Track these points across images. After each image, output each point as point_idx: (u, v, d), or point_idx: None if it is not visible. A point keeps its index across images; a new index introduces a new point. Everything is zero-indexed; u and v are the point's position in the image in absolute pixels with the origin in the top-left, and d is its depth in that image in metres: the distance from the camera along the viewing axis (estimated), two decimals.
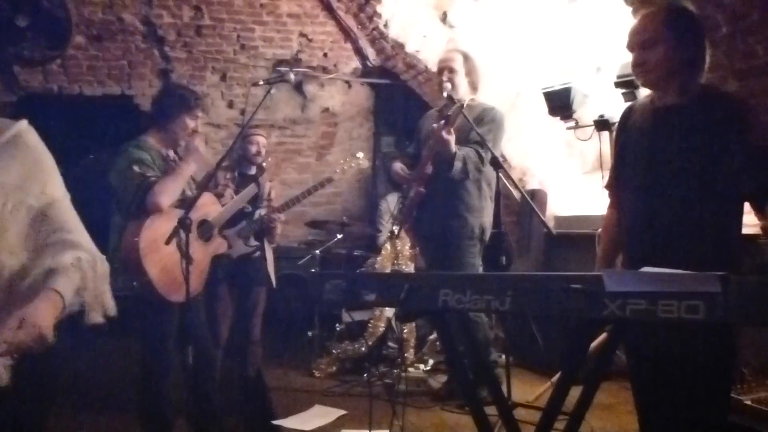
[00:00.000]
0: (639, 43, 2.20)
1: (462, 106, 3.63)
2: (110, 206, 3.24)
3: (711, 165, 2.07)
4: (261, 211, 4.02)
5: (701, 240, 2.10)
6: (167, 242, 2.96)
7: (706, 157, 2.08)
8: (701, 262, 1.82)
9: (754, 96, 3.45)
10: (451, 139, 3.65)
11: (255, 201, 4.05)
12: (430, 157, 3.83)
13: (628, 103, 2.52)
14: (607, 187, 2.52)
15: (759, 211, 2.05)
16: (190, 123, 3.24)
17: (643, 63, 2.20)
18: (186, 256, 2.82)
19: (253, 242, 4.02)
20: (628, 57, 2.32)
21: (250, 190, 3.80)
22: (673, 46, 2.14)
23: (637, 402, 2.35)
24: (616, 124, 2.53)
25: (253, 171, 4.18)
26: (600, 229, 2.68)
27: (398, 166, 4.06)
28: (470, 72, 4.01)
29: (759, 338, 3.39)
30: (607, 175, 2.57)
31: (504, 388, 3.50)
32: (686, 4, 2.28)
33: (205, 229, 3.33)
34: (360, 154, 4.38)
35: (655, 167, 2.19)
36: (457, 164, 3.74)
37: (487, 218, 3.99)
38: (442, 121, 3.69)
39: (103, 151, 7.48)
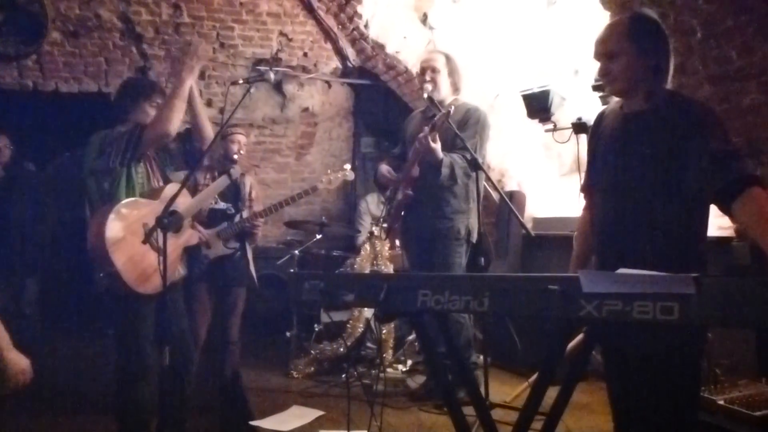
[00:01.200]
0: (603, 53, 2.23)
1: (449, 113, 3.61)
2: (83, 201, 3.24)
3: (677, 168, 2.10)
4: (243, 214, 4.00)
5: (667, 242, 2.13)
6: (144, 242, 2.96)
7: (672, 161, 2.11)
8: (668, 264, 1.85)
9: (727, 100, 3.51)
10: (437, 146, 3.66)
11: (236, 201, 4.02)
12: (416, 160, 3.83)
13: (603, 107, 2.56)
14: (582, 190, 2.56)
15: (726, 212, 2.07)
16: (151, 110, 3.24)
17: (608, 73, 2.23)
18: (163, 254, 2.79)
19: (233, 244, 3.98)
20: None
21: (222, 181, 3.73)
22: (636, 56, 2.17)
23: (611, 401, 2.38)
24: (590, 129, 2.55)
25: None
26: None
27: (385, 168, 4.06)
28: (452, 72, 4.02)
29: (731, 339, 3.45)
30: (584, 177, 2.61)
31: (482, 389, 3.52)
32: (649, 12, 2.31)
33: (174, 221, 3.26)
34: (347, 166, 4.35)
35: (624, 171, 2.23)
36: (445, 170, 3.75)
37: (474, 219, 4.00)
38: (426, 128, 3.70)
39: (79, 149, 7.38)
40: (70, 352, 5.68)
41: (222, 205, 3.95)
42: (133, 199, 3.12)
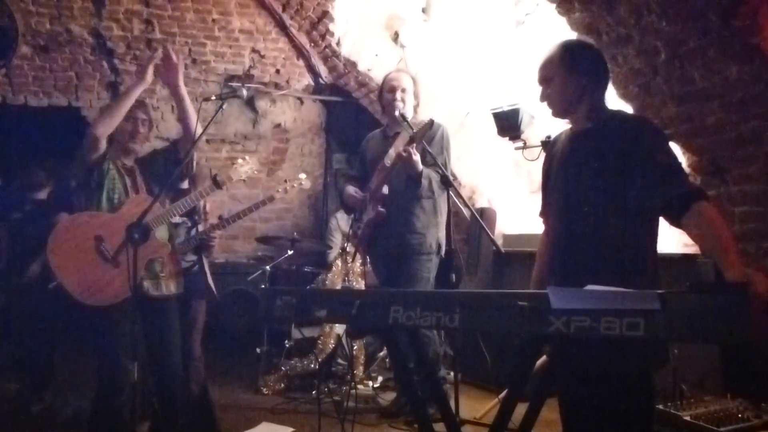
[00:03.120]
0: (542, 79, 2.39)
1: (432, 123, 3.68)
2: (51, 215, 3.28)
3: (623, 182, 2.18)
4: (199, 227, 3.97)
5: (616, 258, 2.18)
6: (114, 257, 2.97)
7: (618, 175, 2.20)
8: (618, 281, 1.87)
9: (691, 119, 3.59)
10: (418, 158, 3.71)
11: (192, 215, 3.99)
12: (387, 178, 3.86)
13: (558, 132, 2.67)
14: (541, 214, 2.63)
15: (675, 224, 2.14)
16: (128, 126, 3.29)
17: (546, 97, 2.39)
18: (133, 268, 2.80)
19: (190, 257, 3.95)
20: None
21: (207, 189, 3.68)
22: (567, 78, 2.33)
23: (563, 419, 2.38)
24: (545, 153, 2.68)
25: (185, 185, 4.12)
26: None
27: (352, 189, 4.08)
28: (417, 95, 4.11)
29: (697, 355, 3.51)
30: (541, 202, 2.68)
31: (452, 405, 3.53)
32: (582, 39, 2.55)
33: (140, 232, 3.24)
34: (302, 175, 4.37)
35: (573, 188, 2.31)
36: (424, 182, 3.82)
37: (442, 233, 4.03)
38: (397, 143, 3.75)
39: (47, 162, 7.30)
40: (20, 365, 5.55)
41: (177, 218, 3.91)
42: (88, 212, 3.17)
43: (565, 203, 2.33)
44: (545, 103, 2.42)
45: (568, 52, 2.36)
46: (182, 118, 3.40)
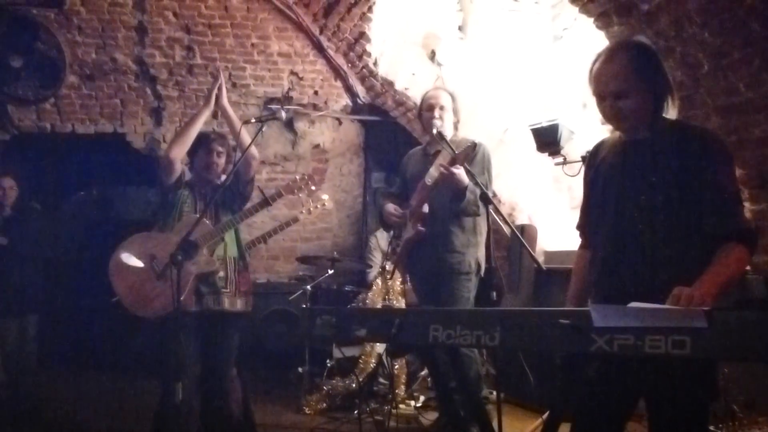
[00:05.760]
0: (612, 92, 2.13)
1: (474, 146, 3.67)
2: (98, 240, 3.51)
3: (681, 197, 2.05)
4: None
5: (670, 275, 2.03)
6: (158, 277, 3.20)
7: (676, 190, 2.05)
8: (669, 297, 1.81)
9: (737, 132, 3.51)
10: (461, 171, 3.67)
11: None
12: (427, 197, 3.85)
13: (600, 139, 2.44)
14: (579, 227, 2.48)
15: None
16: (207, 156, 3.55)
17: (618, 111, 2.14)
18: (177, 287, 2.88)
19: None
20: None
21: (258, 206, 3.76)
22: (646, 91, 2.12)
23: None
24: (586, 161, 2.46)
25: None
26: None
27: (391, 207, 4.05)
28: (456, 112, 4.07)
29: (748, 374, 3.40)
30: (580, 214, 2.50)
31: (495, 425, 3.48)
32: (643, 39, 2.28)
33: (186, 250, 3.31)
34: (325, 196, 4.42)
35: (626, 201, 2.15)
36: (470, 196, 3.76)
37: (482, 252, 3.98)
38: (437, 160, 3.75)
39: (94, 188, 7.50)
40: (68, 390, 5.65)
41: None
42: (149, 233, 3.47)
43: (616, 215, 2.17)
44: (613, 118, 2.17)
45: (642, 58, 2.13)
46: (234, 134, 3.55)
